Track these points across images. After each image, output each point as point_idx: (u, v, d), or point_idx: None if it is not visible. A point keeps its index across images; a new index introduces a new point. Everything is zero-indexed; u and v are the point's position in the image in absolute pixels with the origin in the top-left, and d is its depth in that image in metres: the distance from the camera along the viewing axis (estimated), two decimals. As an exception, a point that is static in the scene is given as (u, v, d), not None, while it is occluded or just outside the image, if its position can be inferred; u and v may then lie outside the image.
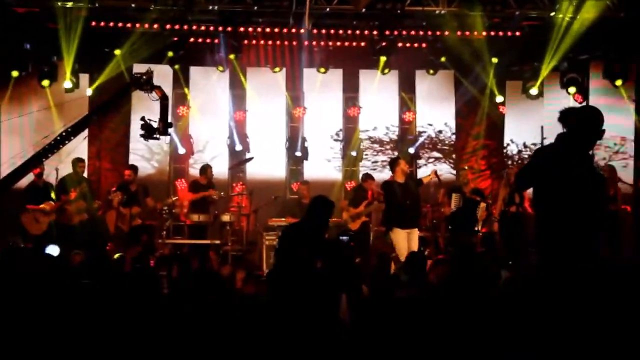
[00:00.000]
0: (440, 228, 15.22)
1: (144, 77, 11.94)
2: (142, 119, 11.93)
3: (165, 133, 12.02)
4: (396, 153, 17.39)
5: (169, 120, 12.13)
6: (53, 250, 12.87)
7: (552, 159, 6.25)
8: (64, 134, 10.98)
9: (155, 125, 11.80)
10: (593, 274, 6.09)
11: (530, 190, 6.65)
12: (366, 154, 18.08)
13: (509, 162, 17.77)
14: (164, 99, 11.92)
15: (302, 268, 8.47)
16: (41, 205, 14.34)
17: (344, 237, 12.57)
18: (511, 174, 14.37)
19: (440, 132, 18.21)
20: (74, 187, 14.67)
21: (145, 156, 17.39)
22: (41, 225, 14.27)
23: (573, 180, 6.14)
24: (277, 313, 6.89)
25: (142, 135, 12.07)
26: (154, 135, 11.89)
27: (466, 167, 15.82)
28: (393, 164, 13.71)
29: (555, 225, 6.18)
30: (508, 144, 18.20)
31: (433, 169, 15.03)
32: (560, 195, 6.16)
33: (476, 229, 14.30)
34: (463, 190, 14.79)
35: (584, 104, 16.49)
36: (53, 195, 14.55)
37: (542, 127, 14.52)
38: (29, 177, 14.46)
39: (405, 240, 12.92)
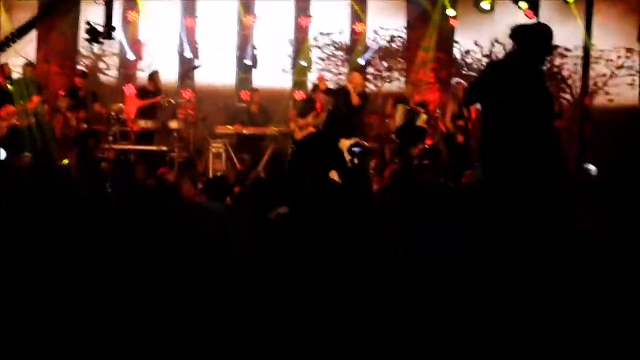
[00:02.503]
0: (387, 140, 15.30)
1: None
2: (88, 23, 11.82)
3: (110, 37, 11.91)
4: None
5: (114, 25, 11.98)
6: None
7: (503, 75, 6.33)
8: (9, 36, 10.76)
9: (100, 29, 11.69)
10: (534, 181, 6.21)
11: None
12: (327, 62, 17.97)
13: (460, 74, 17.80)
14: (109, 2, 11.75)
15: (320, 176, 8.54)
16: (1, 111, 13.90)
17: (356, 149, 12.72)
18: (459, 89, 14.40)
19: (391, 41, 18.09)
20: (36, 93, 14.32)
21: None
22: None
23: (522, 96, 6.23)
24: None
25: (86, 39, 11.97)
26: (99, 39, 11.79)
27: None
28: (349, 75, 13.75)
29: (501, 140, 6.28)
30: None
31: None
32: (508, 111, 6.25)
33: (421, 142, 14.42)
34: (408, 102, 14.85)
35: (535, 20, 16.50)
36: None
37: (492, 42, 14.56)
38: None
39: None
